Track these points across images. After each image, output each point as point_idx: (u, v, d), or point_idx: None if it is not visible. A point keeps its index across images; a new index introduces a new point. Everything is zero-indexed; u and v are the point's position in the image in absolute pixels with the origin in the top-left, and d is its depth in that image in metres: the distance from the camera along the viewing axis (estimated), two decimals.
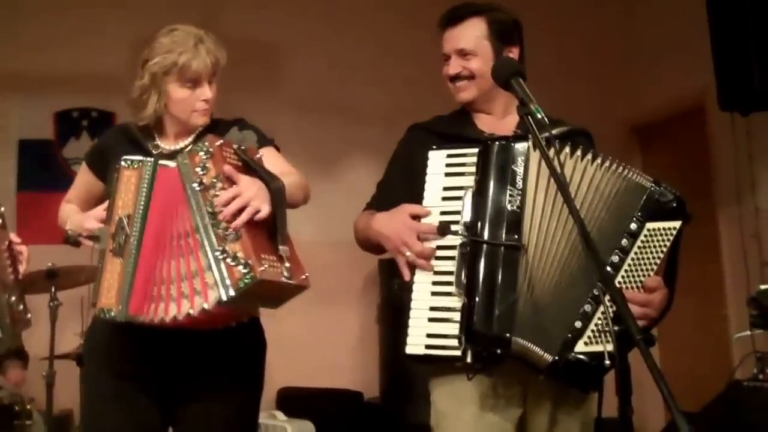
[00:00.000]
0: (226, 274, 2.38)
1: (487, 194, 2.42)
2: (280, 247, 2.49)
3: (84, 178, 2.96)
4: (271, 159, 2.73)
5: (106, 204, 2.64)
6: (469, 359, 2.34)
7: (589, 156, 2.48)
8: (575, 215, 2.12)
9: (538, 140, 2.25)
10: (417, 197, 2.58)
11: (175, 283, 2.47)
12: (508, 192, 2.40)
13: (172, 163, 2.57)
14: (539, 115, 2.26)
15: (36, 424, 4.80)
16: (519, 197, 2.40)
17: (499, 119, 2.80)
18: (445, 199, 2.51)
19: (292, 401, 5.92)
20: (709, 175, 6.07)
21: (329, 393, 6.13)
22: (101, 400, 2.71)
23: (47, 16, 6.18)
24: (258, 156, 2.63)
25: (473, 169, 2.49)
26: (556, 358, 2.34)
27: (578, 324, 2.35)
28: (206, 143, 2.51)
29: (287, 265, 2.47)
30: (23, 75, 6.16)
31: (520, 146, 2.46)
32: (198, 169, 2.49)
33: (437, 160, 2.55)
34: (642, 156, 6.79)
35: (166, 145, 2.83)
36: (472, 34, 2.79)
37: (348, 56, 6.55)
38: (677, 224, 2.47)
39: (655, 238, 2.44)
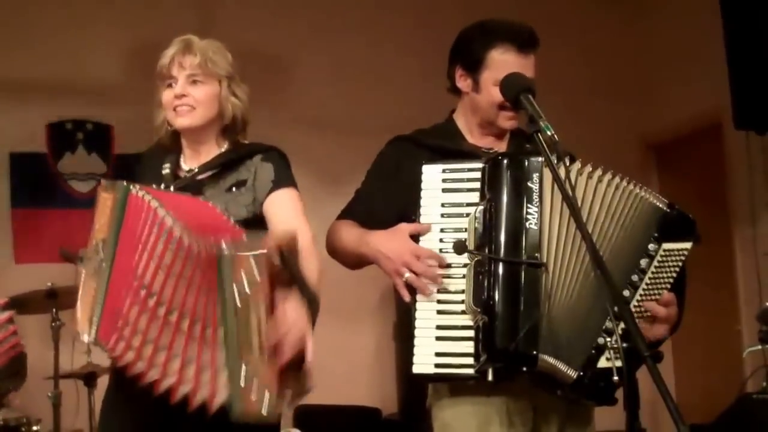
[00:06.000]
0: (239, 394, 2.28)
1: (501, 211, 2.39)
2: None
3: None
4: (282, 208, 2.67)
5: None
6: (490, 377, 2.35)
7: (599, 172, 2.48)
8: (586, 237, 2.14)
9: (548, 158, 2.25)
10: (399, 212, 2.58)
11: (148, 339, 2.34)
12: (526, 209, 2.38)
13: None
14: (549, 133, 2.24)
15: None
16: (537, 215, 2.38)
17: (497, 140, 2.78)
18: (444, 216, 2.48)
19: (310, 418, 5.89)
20: (724, 193, 6.08)
21: (347, 410, 6.11)
22: None
23: (38, 22, 5.94)
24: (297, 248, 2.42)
25: (472, 185, 2.46)
26: (581, 373, 2.35)
27: (601, 340, 2.37)
28: (255, 259, 2.28)
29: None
30: (12, 83, 5.88)
31: (535, 162, 2.41)
32: (245, 278, 2.29)
33: (432, 175, 2.50)
34: (658, 174, 6.79)
35: (186, 165, 2.78)
36: (533, 67, 2.71)
37: (355, 68, 6.46)
38: (689, 245, 2.49)
39: (669, 259, 2.47)
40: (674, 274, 2.47)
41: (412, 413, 5.86)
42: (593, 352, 2.37)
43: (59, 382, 4.66)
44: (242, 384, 2.29)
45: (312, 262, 2.54)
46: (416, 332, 2.45)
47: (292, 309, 2.33)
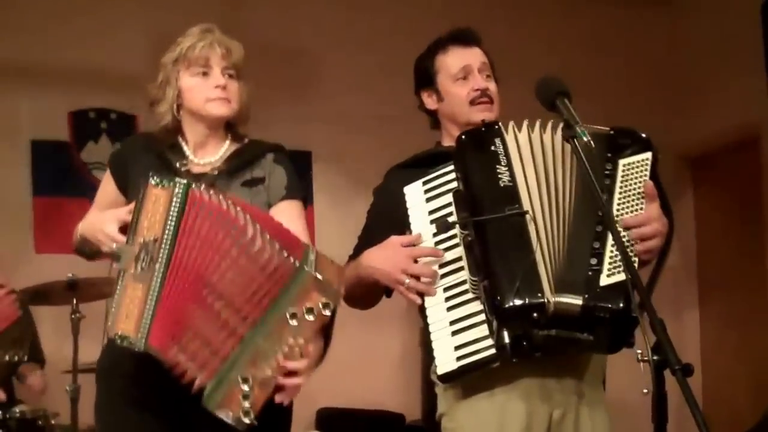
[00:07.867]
0: (224, 390, 2.31)
1: (473, 182, 2.44)
2: None
3: (106, 189, 2.82)
4: (292, 222, 2.61)
5: (128, 207, 2.50)
6: (506, 340, 2.31)
7: (537, 125, 2.53)
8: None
9: (584, 163, 2.25)
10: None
11: (201, 342, 2.35)
12: (497, 170, 2.44)
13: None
14: (585, 138, 2.24)
15: None
16: (507, 172, 2.43)
17: None
18: (433, 221, 2.52)
19: (332, 421, 5.90)
20: (761, 207, 6.02)
21: (370, 414, 6.11)
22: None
23: (60, 8, 5.85)
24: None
25: (452, 185, 2.51)
26: (586, 296, 2.30)
27: (594, 261, 2.34)
28: (324, 296, 2.34)
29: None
30: (34, 70, 5.76)
31: (493, 129, 2.52)
32: (305, 306, 2.33)
33: (414, 192, 2.57)
34: (693, 187, 6.74)
35: (195, 158, 2.75)
36: (485, 58, 2.84)
37: (384, 62, 6.28)
38: (648, 155, 2.49)
39: (632, 172, 2.46)
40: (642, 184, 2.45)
41: (435, 420, 5.82)
42: (590, 274, 2.33)
43: (78, 376, 4.48)
44: (231, 385, 2.30)
45: None
46: (432, 336, 2.45)
47: (315, 347, 2.44)
